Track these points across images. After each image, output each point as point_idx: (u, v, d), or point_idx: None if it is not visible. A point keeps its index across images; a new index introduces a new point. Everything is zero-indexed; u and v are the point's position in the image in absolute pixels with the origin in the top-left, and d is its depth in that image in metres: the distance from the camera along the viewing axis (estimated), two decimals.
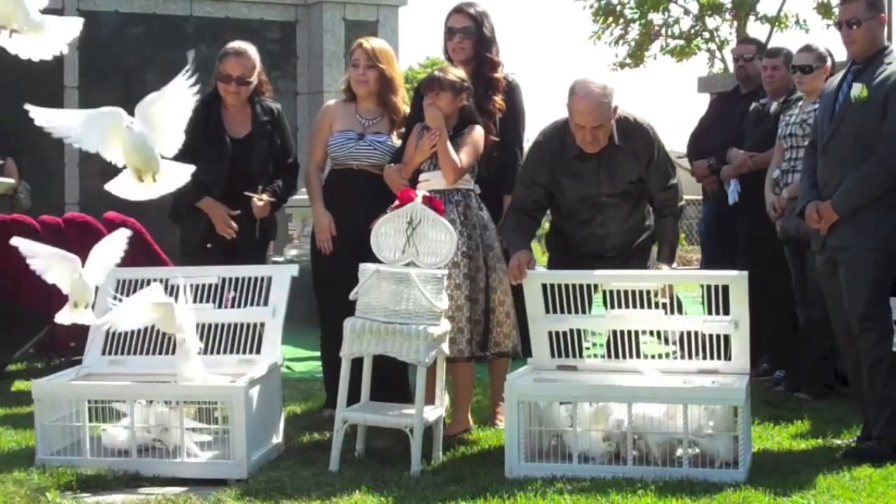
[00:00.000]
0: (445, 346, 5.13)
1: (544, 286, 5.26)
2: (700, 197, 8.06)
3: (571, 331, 5.25)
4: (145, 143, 4.65)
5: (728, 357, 5.10)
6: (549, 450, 4.86)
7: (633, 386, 4.92)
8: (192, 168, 4.86)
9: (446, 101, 5.52)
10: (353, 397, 5.20)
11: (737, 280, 5.10)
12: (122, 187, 4.74)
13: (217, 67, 6.11)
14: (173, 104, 4.70)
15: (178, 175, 4.84)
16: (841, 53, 6.94)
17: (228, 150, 6.01)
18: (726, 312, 5.10)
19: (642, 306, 5.15)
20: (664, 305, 5.18)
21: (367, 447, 5.21)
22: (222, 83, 6.05)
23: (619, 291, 5.17)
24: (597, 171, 5.38)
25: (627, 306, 5.15)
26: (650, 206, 5.58)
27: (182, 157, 6.09)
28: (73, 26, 4.38)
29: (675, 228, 5.61)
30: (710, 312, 5.15)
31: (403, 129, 5.89)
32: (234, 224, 5.97)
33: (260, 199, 5.98)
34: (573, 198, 5.47)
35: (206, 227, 6.00)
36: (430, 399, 5.17)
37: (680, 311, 5.46)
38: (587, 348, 5.41)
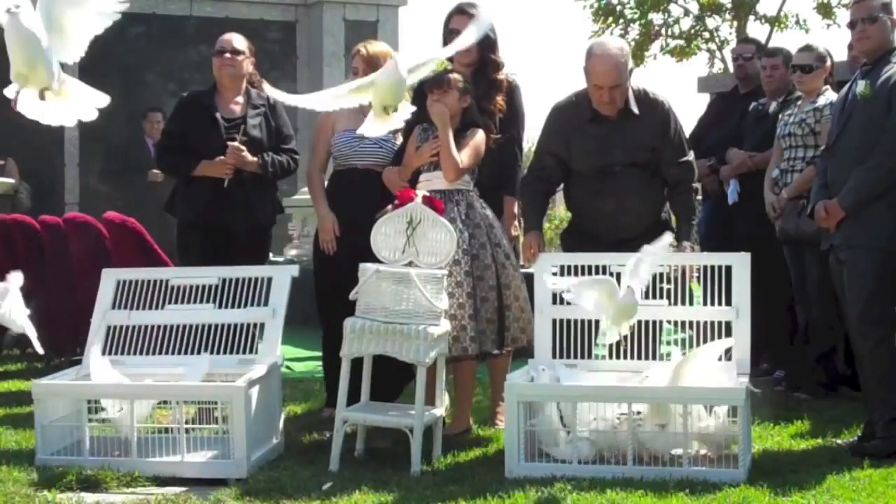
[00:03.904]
0: (445, 346, 5.13)
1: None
2: (700, 197, 8.06)
3: (576, 322, 5.22)
4: (31, 38, 3.85)
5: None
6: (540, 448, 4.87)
7: (634, 386, 4.91)
8: (107, 98, 4.26)
9: (453, 100, 5.52)
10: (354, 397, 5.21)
11: (739, 261, 5.10)
12: (24, 102, 4.01)
13: (212, 57, 6.28)
14: (92, 5, 4.09)
15: (90, 101, 4.18)
16: (841, 53, 6.96)
17: (221, 128, 6.09)
18: (728, 304, 5.11)
19: (653, 295, 5.15)
20: (668, 293, 5.18)
21: (367, 447, 5.21)
22: (217, 58, 6.22)
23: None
24: (611, 135, 5.40)
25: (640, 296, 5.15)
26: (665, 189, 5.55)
27: (176, 138, 6.19)
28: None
29: (692, 202, 5.62)
30: (711, 303, 5.15)
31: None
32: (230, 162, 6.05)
33: (235, 145, 6.03)
34: (585, 165, 5.48)
35: (204, 200, 6.03)
36: (430, 399, 5.17)
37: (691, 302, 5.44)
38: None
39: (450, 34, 5.93)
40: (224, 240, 6.07)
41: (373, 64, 5.97)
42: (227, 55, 6.19)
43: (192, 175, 6.09)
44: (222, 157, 6.02)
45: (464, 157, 5.48)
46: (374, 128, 5.39)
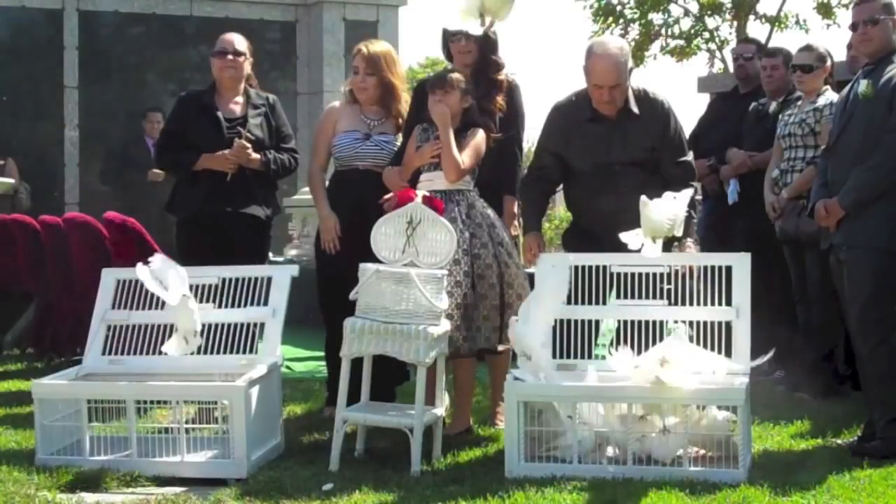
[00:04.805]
0: (445, 346, 5.13)
1: None
2: (700, 197, 8.07)
3: (576, 322, 5.22)
4: None
5: (728, 356, 5.09)
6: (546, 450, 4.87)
7: (634, 386, 4.90)
8: None
9: (455, 100, 5.52)
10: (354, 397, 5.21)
11: (739, 261, 5.10)
12: None
13: (212, 58, 6.27)
14: None
15: None
16: (841, 53, 6.96)
17: (223, 128, 6.10)
18: (728, 304, 5.10)
19: (653, 295, 5.15)
20: (668, 293, 5.18)
21: (367, 447, 5.21)
22: (218, 59, 6.21)
23: (629, 278, 5.16)
24: (610, 134, 5.41)
25: (640, 296, 5.14)
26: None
27: (177, 137, 6.18)
28: None
29: (692, 201, 5.62)
30: (711, 303, 5.15)
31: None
32: (233, 159, 6.04)
33: (241, 142, 6.03)
34: (585, 164, 5.49)
35: (204, 198, 6.04)
36: (430, 399, 5.17)
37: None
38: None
39: (450, 35, 5.92)
40: (224, 238, 6.07)
41: (373, 64, 5.97)
42: (230, 57, 6.19)
43: (194, 170, 6.09)
44: (224, 151, 6.02)
45: (465, 158, 5.48)
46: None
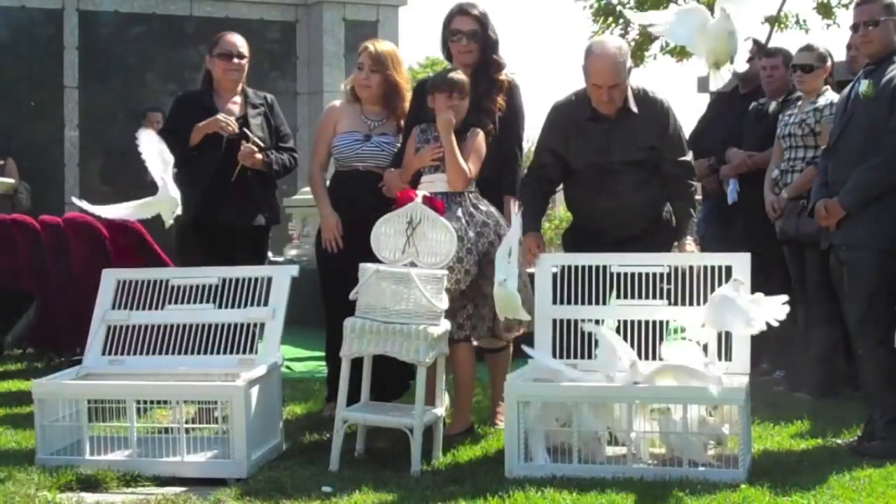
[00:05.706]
0: (445, 346, 5.13)
1: (555, 277, 5.26)
2: (700, 196, 8.07)
3: (576, 322, 5.20)
4: None
5: (728, 356, 5.09)
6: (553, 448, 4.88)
7: (634, 386, 4.91)
8: None
9: (464, 106, 5.51)
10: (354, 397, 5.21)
11: (739, 261, 5.11)
12: None
13: (211, 56, 6.24)
14: None
15: None
16: (841, 54, 6.96)
17: None
18: None
19: (653, 295, 5.15)
20: (668, 292, 5.18)
21: (367, 447, 5.21)
22: (223, 62, 6.17)
23: (629, 278, 5.15)
24: (610, 134, 5.42)
25: (640, 296, 5.14)
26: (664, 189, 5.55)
27: (176, 137, 6.17)
28: None
29: (692, 201, 5.62)
30: None
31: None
32: (232, 121, 6.01)
33: (250, 146, 6.02)
34: (584, 163, 5.49)
35: (204, 199, 6.03)
36: (430, 399, 5.17)
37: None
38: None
39: (450, 35, 5.92)
40: (223, 239, 6.07)
41: (379, 62, 5.96)
42: (235, 60, 6.17)
43: (194, 173, 6.07)
44: (217, 117, 6.00)
45: (470, 166, 5.46)
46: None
